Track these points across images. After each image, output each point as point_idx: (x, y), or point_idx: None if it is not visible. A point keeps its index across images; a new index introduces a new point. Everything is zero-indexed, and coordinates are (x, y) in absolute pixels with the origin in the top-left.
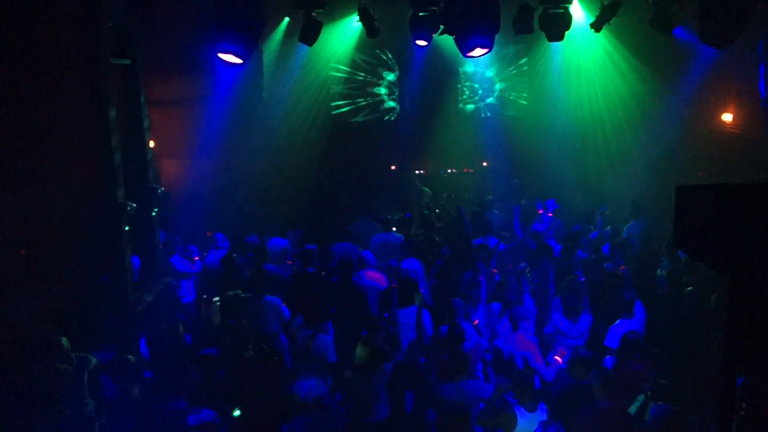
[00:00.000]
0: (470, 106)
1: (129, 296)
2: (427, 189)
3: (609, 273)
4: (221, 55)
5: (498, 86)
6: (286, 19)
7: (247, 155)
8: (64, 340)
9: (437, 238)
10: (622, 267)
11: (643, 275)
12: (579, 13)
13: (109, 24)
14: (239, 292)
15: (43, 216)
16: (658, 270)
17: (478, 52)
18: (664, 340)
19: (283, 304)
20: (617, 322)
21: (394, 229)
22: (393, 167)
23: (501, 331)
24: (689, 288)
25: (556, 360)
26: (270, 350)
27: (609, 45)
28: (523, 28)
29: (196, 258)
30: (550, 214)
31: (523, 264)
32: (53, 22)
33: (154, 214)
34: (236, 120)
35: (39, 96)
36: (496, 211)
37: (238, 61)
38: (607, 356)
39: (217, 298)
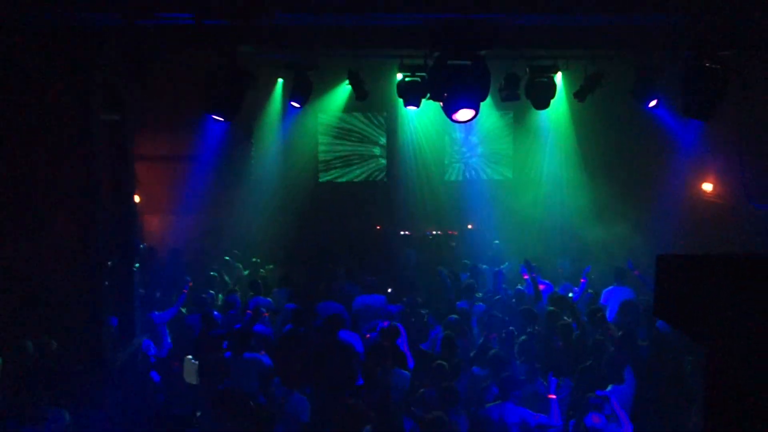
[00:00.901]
0: (456, 167)
1: (105, 355)
2: (411, 251)
3: (594, 339)
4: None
5: (482, 148)
6: (280, 80)
7: (235, 214)
8: None
9: (419, 300)
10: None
11: (625, 342)
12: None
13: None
14: (219, 352)
15: (22, 271)
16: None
17: (464, 115)
18: (654, 407)
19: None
20: (610, 388)
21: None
22: (378, 227)
23: (488, 398)
24: (690, 358)
25: None
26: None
27: (592, 113)
28: (509, 95)
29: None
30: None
31: (510, 327)
32: (44, 77)
33: (134, 269)
34: (224, 178)
35: (25, 150)
36: (485, 266)
37: (225, 119)
38: None
39: (190, 357)
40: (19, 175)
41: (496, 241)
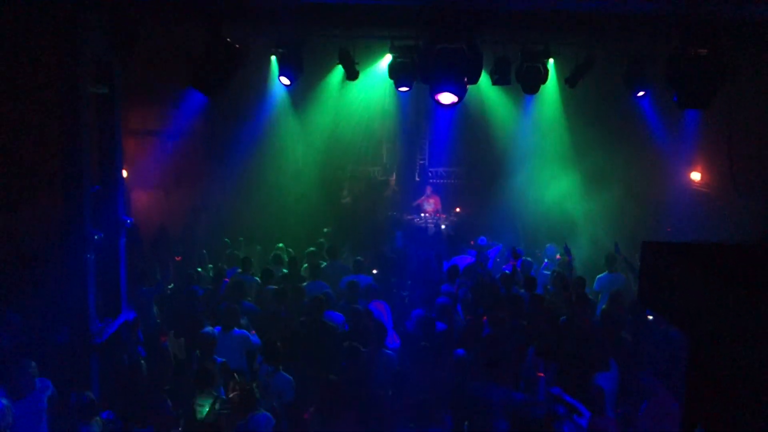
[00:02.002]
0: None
1: (90, 328)
2: (399, 232)
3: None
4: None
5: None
6: (273, 58)
7: (224, 191)
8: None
9: (408, 282)
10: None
11: (609, 332)
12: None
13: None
14: (207, 328)
15: (7, 243)
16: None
17: (446, 98)
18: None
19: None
20: (596, 375)
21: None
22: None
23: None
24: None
25: None
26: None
27: (578, 100)
28: (500, 79)
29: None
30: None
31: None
32: (31, 48)
33: (122, 243)
34: (213, 155)
35: (11, 121)
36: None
37: (210, 95)
38: None
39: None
40: (5, 147)
41: (483, 238)
